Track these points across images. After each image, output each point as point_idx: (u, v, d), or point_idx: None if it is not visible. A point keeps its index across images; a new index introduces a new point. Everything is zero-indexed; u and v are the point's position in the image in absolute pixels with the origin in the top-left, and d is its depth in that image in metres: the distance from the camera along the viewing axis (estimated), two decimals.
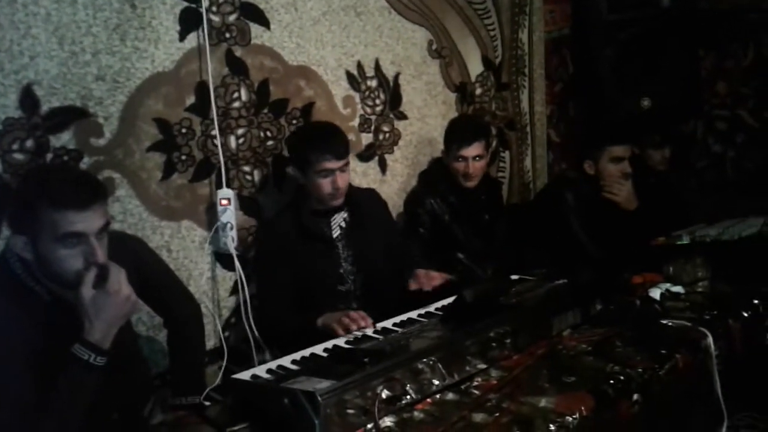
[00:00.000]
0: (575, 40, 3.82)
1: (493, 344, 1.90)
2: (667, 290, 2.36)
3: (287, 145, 2.62)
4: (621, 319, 2.14)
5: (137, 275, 1.74)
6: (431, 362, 1.75)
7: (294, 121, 2.72)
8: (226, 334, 2.49)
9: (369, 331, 2.03)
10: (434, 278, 2.29)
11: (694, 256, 2.50)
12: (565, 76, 3.90)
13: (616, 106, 3.45)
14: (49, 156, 2.10)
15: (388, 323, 2.10)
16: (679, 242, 2.55)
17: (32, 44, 2.05)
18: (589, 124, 3.70)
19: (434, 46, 3.24)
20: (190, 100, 2.42)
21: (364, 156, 2.99)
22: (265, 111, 2.63)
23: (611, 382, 1.76)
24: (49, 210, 1.56)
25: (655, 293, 2.29)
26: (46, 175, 1.77)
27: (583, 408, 1.62)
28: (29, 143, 2.06)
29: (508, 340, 1.93)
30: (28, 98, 2.05)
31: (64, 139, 2.13)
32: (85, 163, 2.17)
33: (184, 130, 2.41)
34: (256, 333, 2.38)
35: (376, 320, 2.10)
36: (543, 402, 1.66)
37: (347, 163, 2.40)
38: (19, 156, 2.05)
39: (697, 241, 2.54)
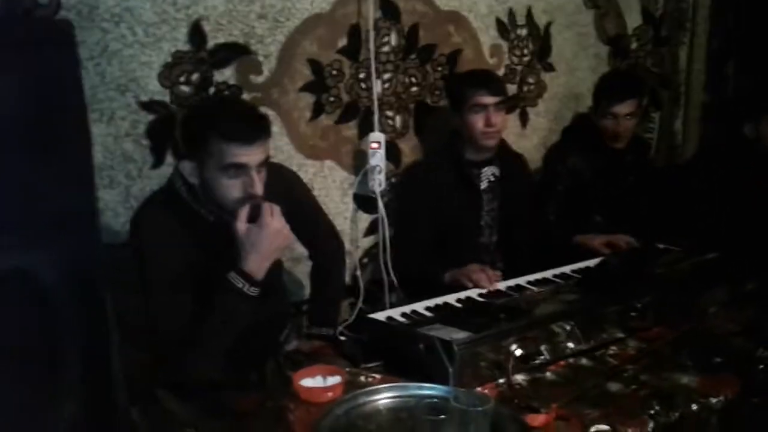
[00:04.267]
0: None
1: (633, 314, 1.85)
2: None
3: (446, 86, 2.64)
4: None
5: (290, 208, 1.82)
6: (568, 326, 1.73)
7: (440, 68, 2.70)
8: (357, 273, 2.58)
9: (502, 287, 2.03)
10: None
11: None
12: (723, 32, 3.57)
13: None
14: (212, 90, 2.21)
15: (521, 280, 2.09)
16: None
17: None
18: (752, 83, 3.39)
19: None
20: (342, 42, 2.45)
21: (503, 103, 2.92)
22: (413, 56, 2.63)
23: (761, 367, 1.66)
24: (218, 140, 1.65)
25: None
26: (219, 107, 1.88)
27: (729, 391, 1.55)
28: (195, 77, 2.18)
29: (650, 312, 1.86)
30: (196, 33, 2.16)
31: (226, 74, 2.23)
32: (243, 98, 2.27)
33: (334, 72, 2.45)
34: (391, 274, 2.44)
35: (507, 276, 2.10)
36: (685, 380, 1.60)
37: (502, 102, 2.40)
38: (185, 88, 2.17)
39: None
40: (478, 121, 2.36)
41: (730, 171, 2.72)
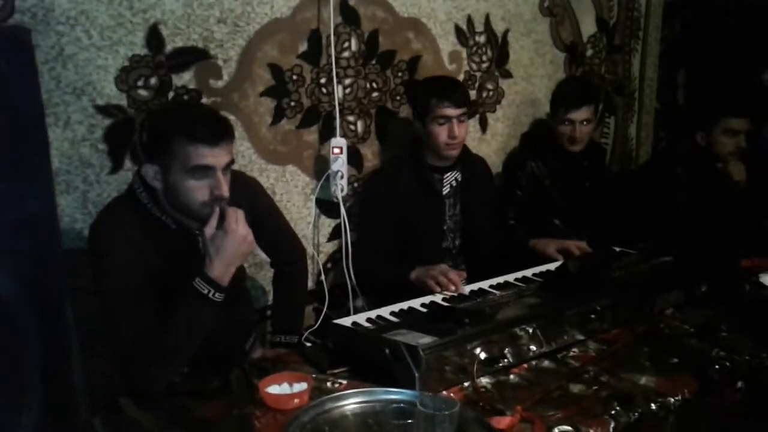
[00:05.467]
0: (698, 2, 3.60)
1: (593, 316, 1.89)
2: None
3: (408, 93, 2.64)
4: (727, 302, 2.07)
5: (252, 215, 1.81)
6: (530, 329, 1.76)
7: (400, 74, 2.72)
8: (321, 278, 2.57)
9: (466, 291, 2.05)
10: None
11: None
12: (670, 39, 3.69)
13: (738, 76, 3.25)
14: (171, 94, 2.18)
15: (484, 284, 2.11)
16: None
17: None
18: (703, 91, 3.51)
19: (546, 4, 3.13)
20: (303, 47, 2.45)
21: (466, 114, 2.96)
22: (373, 62, 2.64)
23: (716, 367, 1.72)
24: (184, 142, 1.64)
25: (766, 279, 2.20)
26: (184, 110, 1.86)
27: (686, 390, 1.60)
28: (153, 80, 2.14)
29: (609, 314, 1.91)
30: (154, 37, 2.12)
31: (185, 78, 2.20)
32: (203, 102, 2.24)
33: (295, 77, 2.44)
34: (353, 279, 2.43)
35: (469, 280, 2.12)
36: (643, 380, 1.64)
37: (465, 114, 2.42)
38: (143, 92, 2.13)
39: None
40: (441, 133, 2.37)
41: (683, 177, 2.80)
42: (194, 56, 2.21)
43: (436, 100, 2.36)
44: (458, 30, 2.85)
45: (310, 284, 2.50)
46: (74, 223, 2.06)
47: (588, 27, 3.33)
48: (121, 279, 1.65)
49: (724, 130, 2.82)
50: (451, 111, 2.36)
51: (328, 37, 2.45)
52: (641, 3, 3.50)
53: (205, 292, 1.61)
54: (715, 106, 2.89)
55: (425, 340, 1.62)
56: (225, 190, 1.69)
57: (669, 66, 3.67)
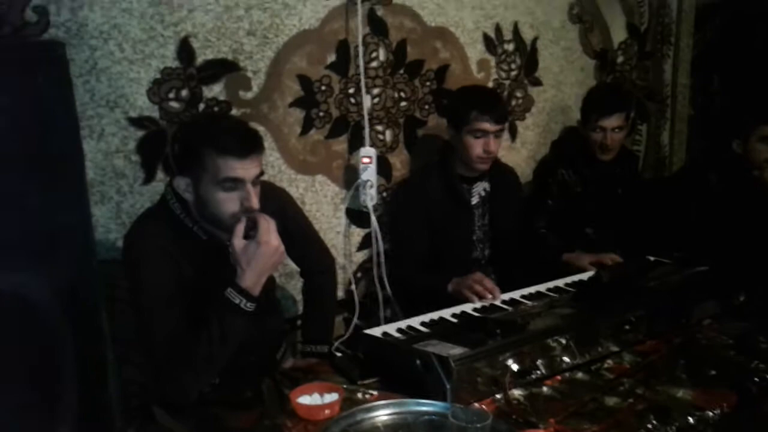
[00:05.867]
0: (729, 7, 3.54)
1: (627, 327, 1.85)
2: None
3: (447, 102, 2.63)
4: (766, 313, 2.01)
5: (281, 225, 1.81)
6: (563, 340, 1.73)
7: (428, 83, 2.71)
8: (352, 287, 2.57)
9: (498, 301, 2.03)
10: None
11: None
12: (702, 44, 3.62)
13: None
14: (201, 106, 2.21)
15: (516, 294, 2.09)
16: None
17: None
18: (738, 99, 3.44)
19: (575, 11, 3.11)
20: (331, 58, 2.46)
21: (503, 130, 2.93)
22: (401, 72, 2.64)
23: (755, 379, 1.67)
24: (214, 155, 1.65)
25: None
26: (214, 122, 1.88)
27: (724, 404, 1.56)
28: (184, 92, 2.17)
29: (643, 325, 1.87)
30: (185, 50, 2.15)
31: (216, 90, 2.23)
32: (233, 114, 2.26)
33: (323, 88, 2.45)
34: (387, 288, 2.43)
35: (501, 290, 2.10)
36: (680, 393, 1.60)
37: (502, 130, 2.41)
38: (174, 104, 2.16)
39: None
40: (476, 146, 2.36)
41: (717, 184, 2.75)
42: (224, 68, 2.23)
43: (477, 112, 2.34)
44: (486, 38, 2.84)
45: (340, 294, 2.50)
46: (108, 233, 2.09)
47: (618, 33, 3.30)
48: (154, 288, 1.66)
49: (760, 137, 2.75)
50: (490, 126, 2.35)
51: (357, 47, 2.46)
52: (672, 9, 3.44)
53: (237, 301, 1.62)
54: (751, 114, 2.83)
55: (456, 351, 1.60)
56: (255, 202, 1.70)
57: (703, 72, 3.61)
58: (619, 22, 3.28)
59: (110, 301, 1.71)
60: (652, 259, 2.32)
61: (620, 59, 3.32)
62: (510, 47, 2.93)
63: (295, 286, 2.44)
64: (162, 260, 1.68)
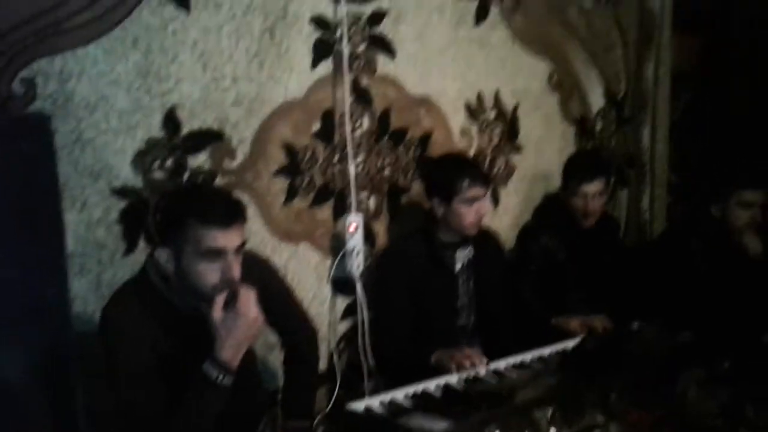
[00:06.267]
0: (706, 76, 3.65)
1: (612, 396, 1.83)
2: None
3: (427, 173, 2.62)
4: (752, 379, 2.00)
5: (262, 296, 1.79)
6: (549, 411, 1.70)
7: (410, 150, 2.75)
8: (335, 358, 2.53)
9: (482, 372, 2.01)
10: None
11: None
12: (679, 110, 3.72)
13: (752, 149, 3.26)
14: (186, 175, 2.21)
15: (500, 364, 2.07)
16: None
17: (178, 69, 2.16)
18: (716, 163, 3.51)
19: (554, 79, 3.19)
20: (316, 126, 2.49)
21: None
22: (385, 139, 2.67)
23: None
24: (196, 225, 1.64)
25: None
26: (196, 192, 1.88)
27: None
28: (169, 162, 2.18)
29: (629, 394, 1.85)
30: (171, 120, 2.17)
31: (201, 159, 2.24)
32: (217, 183, 2.27)
33: (308, 156, 2.48)
34: (370, 359, 2.39)
35: (486, 358, 2.08)
36: None
37: (488, 193, 2.44)
38: (159, 174, 2.17)
39: None
40: (469, 213, 2.38)
41: (699, 250, 2.77)
42: (209, 138, 2.25)
43: (469, 181, 2.36)
44: (468, 107, 2.90)
45: (322, 365, 2.46)
46: (87, 305, 2.05)
47: (596, 100, 3.38)
48: (131, 364, 1.63)
49: (738, 202, 2.80)
50: (480, 192, 2.38)
51: (342, 116, 2.50)
52: (649, 76, 3.54)
53: (214, 377, 1.59)
54: (729, 179, 2.88)
55: (441, 425, 1.58)
56: (236, 273, 1.68)
57: (682, 137, 3.69)
58: (596, 89, 3.37)
59: (87, 374, 1.66)
60: (636, 325, 2.32)
61: (599, 126, 3.40)
62: (491, 115, 2.98)
63: (277, 358, 2.40)
64: (138, 335, 1.65)
